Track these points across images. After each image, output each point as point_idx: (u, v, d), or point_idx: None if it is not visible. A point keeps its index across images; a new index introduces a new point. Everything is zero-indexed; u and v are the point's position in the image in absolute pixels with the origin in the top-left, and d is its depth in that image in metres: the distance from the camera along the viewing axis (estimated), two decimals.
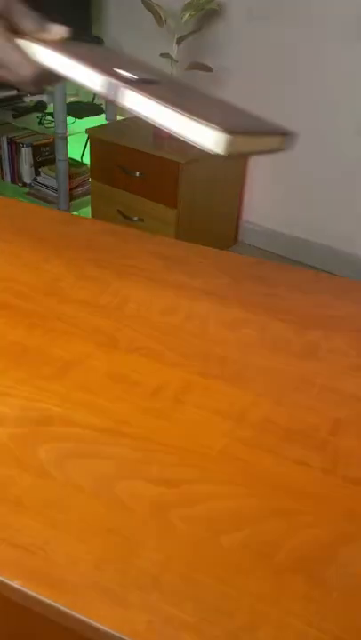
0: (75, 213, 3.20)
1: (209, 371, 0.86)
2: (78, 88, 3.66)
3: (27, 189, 3.78)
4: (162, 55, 2.83)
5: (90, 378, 0.83)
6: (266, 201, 3.30)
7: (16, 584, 0.59)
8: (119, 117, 3.52)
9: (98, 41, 3.21)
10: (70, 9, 3.28)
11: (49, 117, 3.51)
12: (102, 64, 0.73)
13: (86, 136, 3.26)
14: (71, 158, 3.64)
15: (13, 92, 3.73)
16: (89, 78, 0.71)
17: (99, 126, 3.20)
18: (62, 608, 0.58)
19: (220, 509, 0.66)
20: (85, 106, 3.58)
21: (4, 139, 3.82)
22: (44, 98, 3.67)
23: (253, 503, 0.67)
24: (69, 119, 3.40)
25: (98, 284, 1.05)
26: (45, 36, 0.76)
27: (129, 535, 0.63)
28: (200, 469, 0.71)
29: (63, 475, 0.69)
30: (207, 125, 0.65)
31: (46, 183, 3.66)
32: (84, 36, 3.16)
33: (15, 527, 0.64)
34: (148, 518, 0.65)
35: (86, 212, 3.41)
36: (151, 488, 0.68)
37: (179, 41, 2.87)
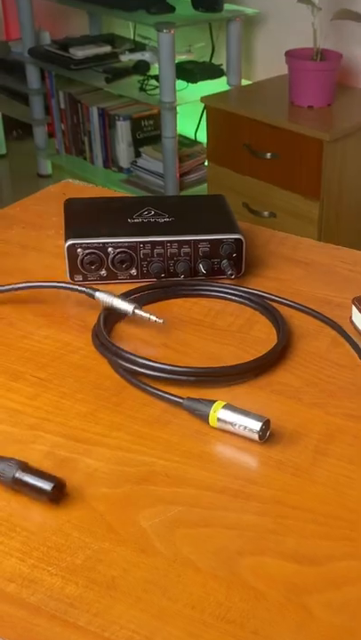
0: None
1: None
2: (191, 43, 3.67)
3: (124, 176, 3.82)
4: (300, 1, 2.83)
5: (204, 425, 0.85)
6: None
7: None
8: (245, 81, 3.52)
9: None
10: None
11: (153, 82, 3.54)
12: None
13: (202, 106, 3.28)
14: (182, 135, 3.67)
15: (107, 48, 3.74)
16: None
17: (218, 93, 3.22)
18: None
19: None
20: (201, 66, 3.59)
21: (94, 110, 3.84)
22: (145, 56, 3.69)
23: None
24: (180, 84, 3.43)
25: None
26: None
27: (257, 628, 0.64)
28: (349, 542, 0.71)
29: (171, 549, 0.71)
30: None
31: (149, 167, 3.70)
32: None
33: (108, 617, 0.64)
34: (280, 606, 0.65)
35: None
36: (285, 566, 0.69)
37: None
